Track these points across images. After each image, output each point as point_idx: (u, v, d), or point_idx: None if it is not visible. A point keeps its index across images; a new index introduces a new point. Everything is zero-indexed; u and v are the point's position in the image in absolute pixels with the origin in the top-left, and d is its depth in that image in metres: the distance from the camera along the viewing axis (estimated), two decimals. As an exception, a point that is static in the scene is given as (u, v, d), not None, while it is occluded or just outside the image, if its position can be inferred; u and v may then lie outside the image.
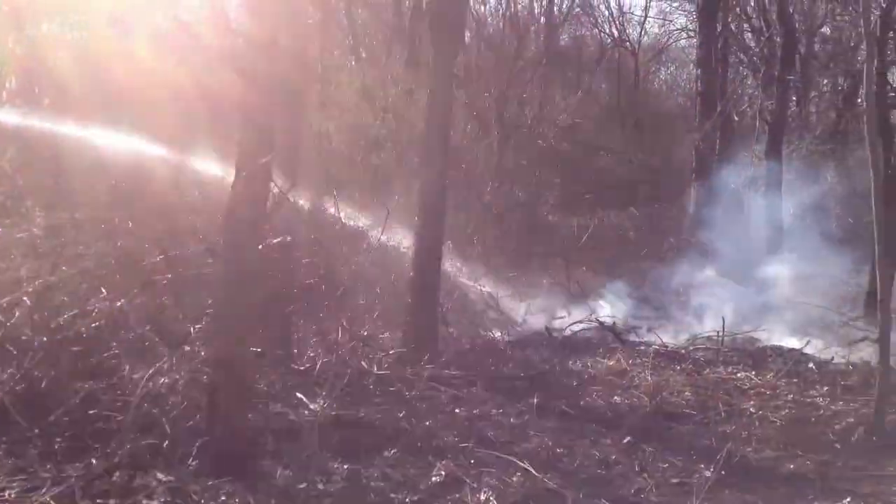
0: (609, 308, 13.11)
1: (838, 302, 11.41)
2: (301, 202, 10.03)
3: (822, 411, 8.04)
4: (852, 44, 20.35)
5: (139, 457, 5.91)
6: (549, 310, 13.59)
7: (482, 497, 5.80)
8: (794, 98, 22.51)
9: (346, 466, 6.27)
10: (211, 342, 6.52)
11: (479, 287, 13.17)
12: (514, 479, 6.17)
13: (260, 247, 6.92)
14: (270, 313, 8.59)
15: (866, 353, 10.12)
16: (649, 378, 9.08)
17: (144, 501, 5.33)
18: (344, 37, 21.00)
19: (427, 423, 7.32)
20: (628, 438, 7.19)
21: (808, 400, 8.48)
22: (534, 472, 6.27)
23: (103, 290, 7.48)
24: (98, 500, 5.29)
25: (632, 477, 6.37)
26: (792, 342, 11.29)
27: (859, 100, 26.87)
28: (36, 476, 5.56)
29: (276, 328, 8.80)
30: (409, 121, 16.43)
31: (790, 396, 8.59)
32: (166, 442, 6.07)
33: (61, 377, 6.58)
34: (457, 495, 5.85)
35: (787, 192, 18.34)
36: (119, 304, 7.31)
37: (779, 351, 10.87)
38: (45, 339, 6.75)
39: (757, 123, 21.09)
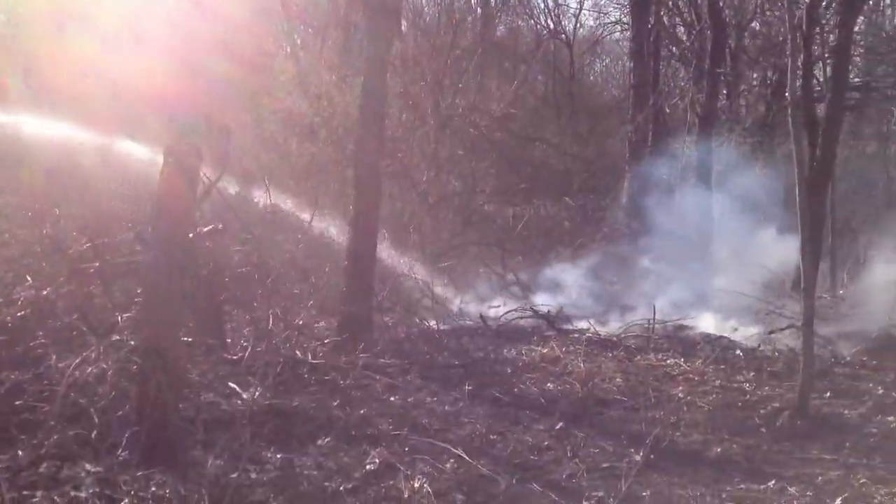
0: (543, 297, 13.21)
1: (766, 291, 11.69)
2: (232, 191, 9.90)
3: (748, 396, 8.24)
4: (781, 38, 20.83)
5: (67, 447, 5.80)
6: (485, 299, 13.68)
7: (416, 484, 5.80)
8: (724, 91, 22.94)
9: (279, 455, 6.24)
10: (140, 331, 6.40)
11: (414, 276, 13.16)
12: (448, 465, 6.21)
13: (190, 235, 6.83)
14: (202, 302, 8.47)
15: (791, 340, 10.42)
16: (582, 365, 9.19)
17: (72, 493, 5.20)
18: (279, 23, 20.72)
19: (361, 412, 7.31)
20: (560, 424, 7.27)
21: (735, 385, 8.68)
22: (467, 458, 6.32)
23: (29, 279, 7.29)
24: (25, 492, 5.15)
25: (564, 462, 6.45)
26: (720, 330, 11.55)
27: (787, 93, 27.71)
28: (-41, 468, 5.40)
29: (207, 317, 8.67)
30: (344, 108, 16.31)
31: (718, 382, 8.79)
32: (95, 432, 5.96)
33: (-15, 367, 6.40)
34: (391, 482, 5.85)
35: (717, 184, 18.73)
36: (45, 292, 7.14)
37: (707, 338, 11.12)
38: (-33, 328, 6.56)
39: (688, 116, 21.44)
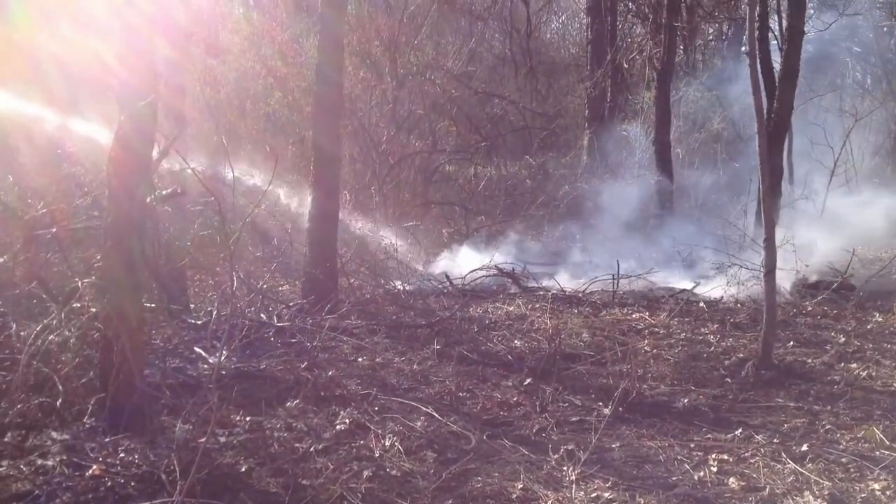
0: (508, 255, 13.23)
1: (726, 243, 11.79)
2: (190, 154, 9.70)
3: (713, 348, 8.34)
4: (736, -9, 20.91)
5: (31, 416, 5.74)
6: (449, 258, 13.66)
7: (387, 443, 5.81)
8: (680, 46, 22.99)
9: (248, 418, 6.19)
10: (102, 297, 6.26)
11: (377, 237, 13.09)
12: (419, 423, 6.21)
13: (148, 198, 6.68)
14: (163, 267, 8.34)
15: (752, 291, 10.56)
16: (548, 321, 9.23)
17: (39, 461, 5.14)
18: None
19: (329, 373, 7.26)
20: (529, 380, 7.30)
21: (700, 338, 8.77)
22: (437, 416, 6.33)
23: (-16, 246, 7.10)
24: (-10, 462, 5.07)
25: (533, 417, 6.47)
26: (683, 283, 11.66)
27: (742, 47, 27.87)
28: (-79, 439, 5.29)
29: (170, 282, 8.54)
30: (299, 69, 16.06)
31: (683, 335, 8.87)
32: (60, 400, 5.87)
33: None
34: (361, 442, 5.85)
35: (676, 139, 18.85)
36: (2, 259, 6.96)
37: (670, 291, 11.23)
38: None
39: (646, 71, 21.48)
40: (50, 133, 8.76)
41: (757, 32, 9.90)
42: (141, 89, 5.77)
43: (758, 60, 8.54)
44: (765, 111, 8.97)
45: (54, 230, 7.39)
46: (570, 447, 5.66)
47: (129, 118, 5.71)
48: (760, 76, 8.78)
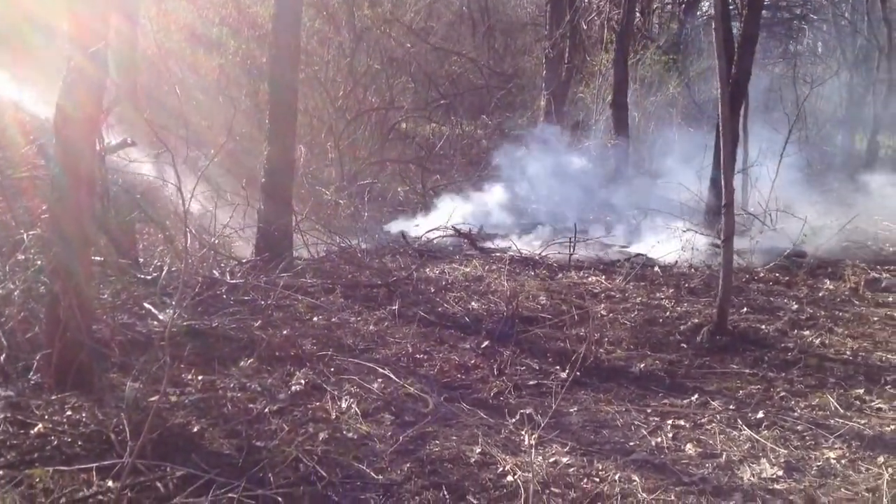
0: (464, 216, 13.13)
1: (680, 208, 11.83)
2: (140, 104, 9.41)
3: (668, 313, 8.36)
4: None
5: (-27, 372, 5.51)
6: (406, 217, 13.53)
7: (343, 405, 5.73)
8: (638, 9, 22.92)
9: (200, 378, 6.06)
10: (47, 250, 6.03)
11: (332, 194, 12.90)
12: (375, 385, 6.13)
13: (97, 148, 6.44)
14: (112, 220, 8.07)
15: (706, 257, 10.63)
16: (505, 284, 9.18)
17: (-18, 418, 4.95)
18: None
19: (284, 332, 7.13)
20: (486, 343, 7.26)
21: (656, 302, 8.80)
22: (394, 378, 6.26)
23: (-77, 197, 6.79)
24: (-71, 420, 4.88)
25: (490, 380, 6.43)
26: (638, 247, 11.70)
27: (699, 12, 27.95)
28: None
29: (119, 235, 8.27)
30: (253, 19, 15.67)
31: (639, 299, 8.88)
32: (3, 355, 5.67)
33: None
34: (317, 403, 5.76)
35: (633, 102, 18.84)
36: (-59, 210, 6.67)
37: (626, 255, 11.25)
38: None
39: (605, 33, 21.40)
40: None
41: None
42: (91, 34, 5.50)
43: (722, 24, 8.44)
44: (727, 76, 8.89)
45: (-3, 179, 7.10)
46: (527, 411, 5.63)
47: (79, 64, 5.45)
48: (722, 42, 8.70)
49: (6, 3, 8.96)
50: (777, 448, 5.19)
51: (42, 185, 7.71)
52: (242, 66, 15.73)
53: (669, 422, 5.66)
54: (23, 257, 6.48)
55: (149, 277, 8.11)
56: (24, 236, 6.45)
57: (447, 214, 12.67)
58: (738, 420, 5.65)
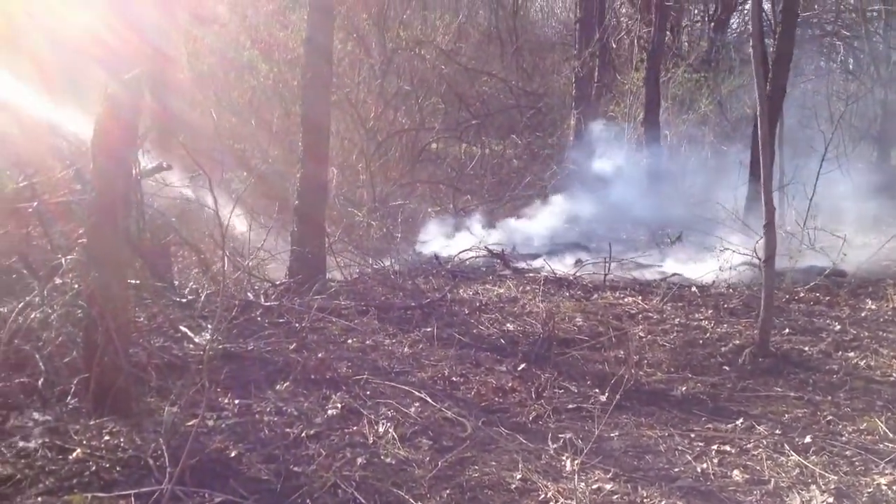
0: (496, 236, 13.06)
1: (717, 226, 11.67)
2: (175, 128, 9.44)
3: (708, 334, 8.20)
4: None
5: (12, 396, 5.52)
6: (437, 238, 13.48)
7: (380, 429, 5.66)
8: (667, 28, 22.82)
9: (236, 401, 6.01)
10: (85, 274, 6.04)
11: (365, 216, 12.89)
12: (412, 409, 6.06)
13: (134, 172, 6.46)
14: (148, 243, 8.10)
15: (745, 276, 10.46)
16: (540, 305, 9.08)
17: (21, 443, 4.93)
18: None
19: (319, 355, 7.08)
20: (523, 365, 7.16)
21: (695, 323, 8.64)
22: (431, 401, 6.18)
23: (-38, 220, 6.85)
24: (-31, 444, 4.87)
25: (529, 404, 6.34)
26: (674, 267, 11.54)
27: (729, 30, 27.78)
28: None
29: (154, 258, 8.29)
30: (285, 40, 15.77)
31: (677, 320, 8.73)
32: (42, 380, 5.66)
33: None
34: (354, 428, 5.69)
35: (664, 120, 18.72)
36: (-19, 234, 6.72)
37: (662, 275, 11.10)
38: None
39: (635, 51, 21.31)
40: (32, 105, 8.49)
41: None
42: (129, 59, 5.53)
43: (761, 42, 8.35)
44: (765, 92, 8.78)
45: (35, 204, 7.13)
46: (568, 436, 5.53)
47: (117, 90, 5.48)
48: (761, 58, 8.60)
49: (43, 30, 9.07)
50: (826, 474, 5.05)
51: (78, 210, 7.76)
52: (274, 89, 15.82)
53: (714, 447, 5.53)
54: (60, 282, 6.49)
55: (184, 300, 8.12)
56: (62, 261, 6.45)
57: (480, 235, 12.59)
58: (786, 445, 5.50)
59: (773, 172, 9.54)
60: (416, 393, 6.33)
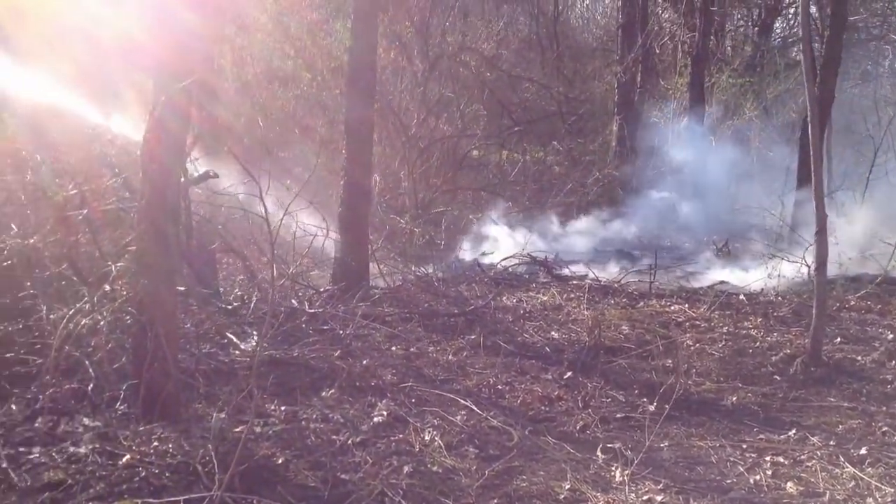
0: (539, 243, 12.98)
1: (764, 233, 11.51)
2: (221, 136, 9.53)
3: (758, 343, 8.07)
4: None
5: (63, 402, 5.56)
6: (479, 245, 13.44)
7: (427, 437, 5.63)
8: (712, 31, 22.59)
9: (283, 408, 6.02)
10: (134, 281, 6.11)
11: (408, 223, 12.90)
12: (458, 417, 6.02)
13: (182, 179, 6.51)
14: (194, 250, 8.18)
15: (794, 283, 10.28)
16: (586, 312, 9.00)
17: (72, 448, 4.96)
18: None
19: (364, 362, 7.08)
20: (569, 374, 7.10)
21: (744, 332, 8.50)
22: (476, 409, 6.14)
23: (14, 227, 6.94)
24: (21, 448, 4.90)
25: (576, 413, 6.28)
26: (722, 274, 11.38)
27: (773, 34, 27.41)
28: (-48, 424, 5.16)
29: (200, 266, 8.37)
30: (329, 48, 15.85)
31: (725, 329, 8.60)
32: (91, 385, 5.71)
33: (-28, 319, 6.13)
34: (400, 435, 5.66)
35: (708, 126, 18.51)
36: (32, 240, 6.80)
37: (709, 283, 10.95)
38: (-48, 278, 6.26)
39: (679, 56, 21.11)
40: (80, 112, 8.62)
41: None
42: (177, 70, 5.58)
43: (811, 46, 8.22)
44: (816, 98, 8.64)
45: (85, 211, 7.22)
46: (617, 446, 5.46)
47: (166, 99, 5.53)
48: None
49: (90, 39, 9.21)
50: (882, 486, 4.93)
51: (126, 217, 7.86)
52: (317, 97, 15.92)
53: (767, 458, 5.43)
54: (109, 288, 6.55)
55: (229, 307, 8.17)
56: (112, 267, 6.52)
57: (522, 241, 12.52)
58: (840, 456, 5.39)
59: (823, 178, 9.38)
60: (462, 401, 6.29)
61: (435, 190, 15.37)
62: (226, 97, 13.07)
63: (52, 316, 6.22)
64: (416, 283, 10.07)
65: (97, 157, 8.00)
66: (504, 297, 10.09)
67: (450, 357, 7.62)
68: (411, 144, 15.32)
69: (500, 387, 6.82)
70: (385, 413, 6.04)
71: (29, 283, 6.64)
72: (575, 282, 10.98)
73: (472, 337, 8.07)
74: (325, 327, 8.04)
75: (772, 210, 11.61)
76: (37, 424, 5.29)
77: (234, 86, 13.86)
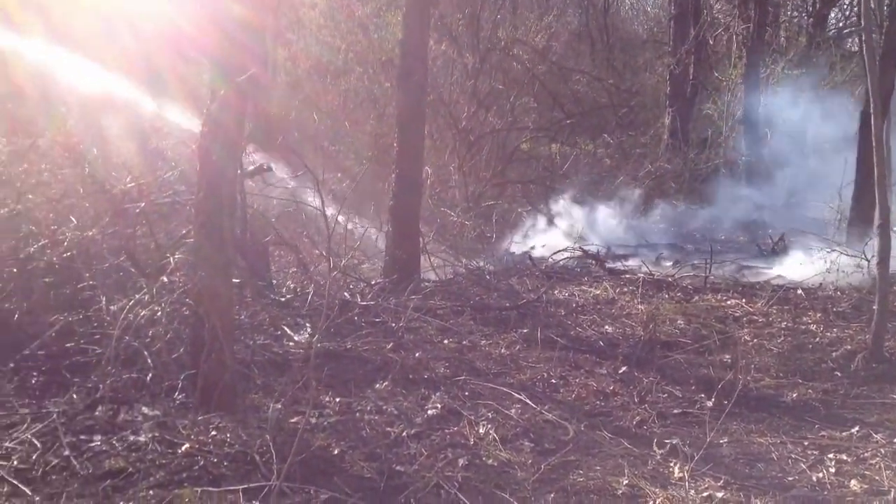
0: (591, 236, 12.87)
1: (821, 227, 11.26)
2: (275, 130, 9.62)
3: (818, 339, 7.89)
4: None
5: (122, 391, 5.65)
6: (530, 238, 13.37)
7: (481, 430, 5.61)
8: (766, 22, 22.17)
9: (337, 399, 6.04)
10: (191, 273, 6.18)
11: (459, 215, 12.88)
12: (512, 411, 5.99)
13: (238, 171, 6.57)
14: (248, 243, 8.25)
15: (853, 278, 10.03)
16: (640, 307, 8.89)
17: (132, 437, 5.03)
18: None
19: (416, 355, 7.09)
20: (624, 368, 7.03)
21: (803, 327, 8.32)
22: (531, 403, 6.10)
23: (73, 219, 7.07)
24: (82, 437, 4.99)
25: (632, 408, 6.21)
26: (779, 269, 11.17)
27: (829, 24, 26.83)
28: (14, 412, 5.26)
29: (254, 258, 8.45)
30: (379, 43, 15.89)
31: (784, 324, 8.43)
32: (150, 375, 5.79)
33: (34, 309, 6.25)
34: (454, 428, 5.65)
35: (764, 117, 18.18)
36: (90, 233, 6.92)
37: (766, 277, 10.74)
38: (14, 270, 6.38)
39: (733, 47, 20.76)
40: (135, 107, 8.75)
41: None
42: (233, 66, 5.62)
43: (872, 36, 8.00)
44: (879, 89, 8.43)
45: (142, 204, 7.33)
46: (675, 441, 5.38)
47: (222, 95, 5.57)
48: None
49: (145, 34, 9.34)
50: (949, 485, 4.78)
51: (182, 210, 7.96)
52: (368, 91, 15.97)
53: (830, 455, 5.31)
54: (167, 280, 6.64)
55: (282, 299, 8.23)
56: (171, 259, 6.61)
57: (574, 235, 12.42)
58: (905, 454, 5.24)
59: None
60: (516, 395, 6.26)
61: (485, 183, 15.31)
62: (278, 91, 13.16)
63: (111, 307, 6.32)
64: (468, 277, 10.04)
65: (153, 151, 8.14)
66: (556, 291, 10.01)
67: (502, 350, 7.58)
68: (461, 137, 15.28)
69: (554, 381, 6.78)
70: (439, 406, 6.04)
71: (88, 275, 6.74)
72: (627, 275, 10.84)
73: (525, 331, 8.02)
74: (377, 320, 8.05)
75: (829, 203, 11.34)
76: (97, 413, 5.38)
77: (286, 80, 13.94)
